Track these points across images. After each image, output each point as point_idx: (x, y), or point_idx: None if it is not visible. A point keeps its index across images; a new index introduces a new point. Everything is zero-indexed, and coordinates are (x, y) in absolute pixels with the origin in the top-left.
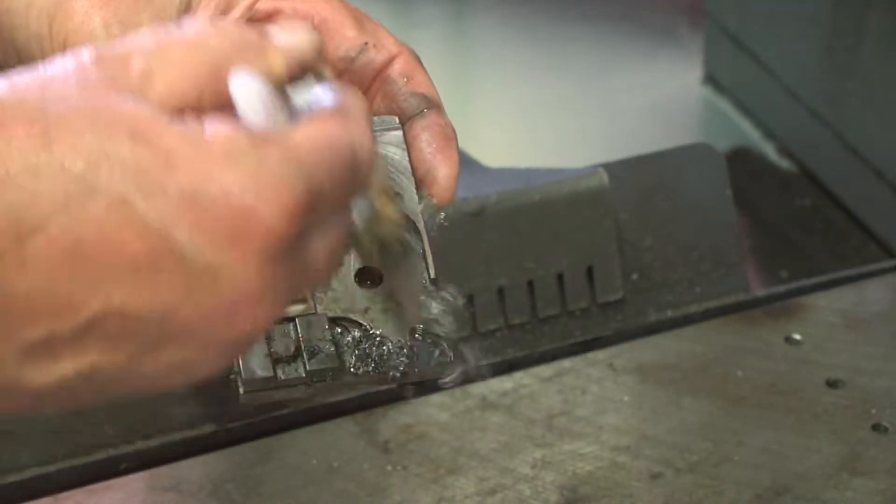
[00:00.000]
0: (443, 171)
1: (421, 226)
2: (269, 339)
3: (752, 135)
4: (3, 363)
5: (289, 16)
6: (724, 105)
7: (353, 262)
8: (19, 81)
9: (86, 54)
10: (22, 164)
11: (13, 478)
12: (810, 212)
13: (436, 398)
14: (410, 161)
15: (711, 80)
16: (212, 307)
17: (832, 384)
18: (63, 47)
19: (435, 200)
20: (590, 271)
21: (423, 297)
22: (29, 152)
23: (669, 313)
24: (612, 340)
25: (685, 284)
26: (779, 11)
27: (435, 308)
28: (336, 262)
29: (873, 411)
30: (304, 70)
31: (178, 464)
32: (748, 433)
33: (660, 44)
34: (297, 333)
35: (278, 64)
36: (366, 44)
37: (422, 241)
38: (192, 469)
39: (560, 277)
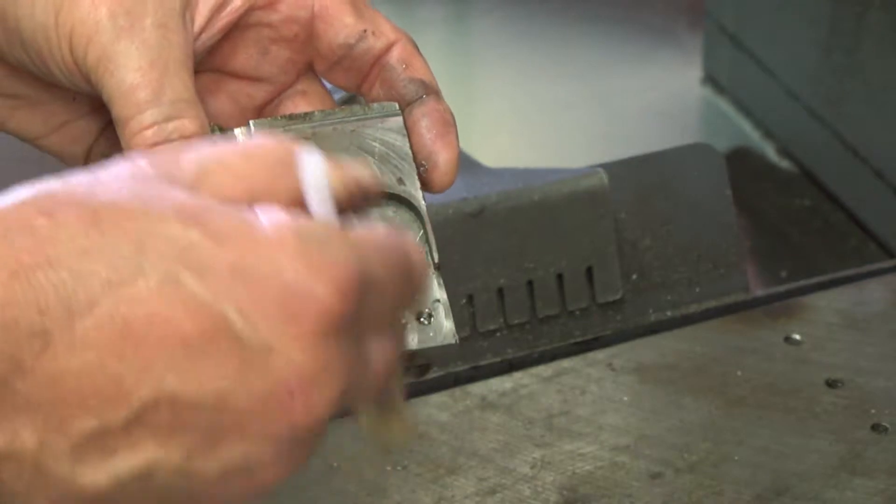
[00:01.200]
0: (443, 157)
1: (423, 211)
2: None
3: (751, 135)
4: (56, 460)
5: (289, 3)
6: (724, 105)
7: None
8: (72, 178)
9: (138, 156)
10: (71, 246)
11: None
12: (810, 212)
13: (435, 398)
14: (411, 146)
15: (711, 80)
16: (266, 391)
17: (832, 384)
18: (69, 38)
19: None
20: (589, 271)
21: (427, 280)
22: (78, 234)
23: (669, 313)
24: (611, 340)
25: (685, 284)
26: (778, 11)
27: (438, 291)
28: (391, 374)
29: (873, 411)
30: (352, 203)
31: None
32: (748, 433)
33: (659, 44)
34: None
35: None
36: (364, 31)
37: (424, 225)
38: None
39: (560, 277)
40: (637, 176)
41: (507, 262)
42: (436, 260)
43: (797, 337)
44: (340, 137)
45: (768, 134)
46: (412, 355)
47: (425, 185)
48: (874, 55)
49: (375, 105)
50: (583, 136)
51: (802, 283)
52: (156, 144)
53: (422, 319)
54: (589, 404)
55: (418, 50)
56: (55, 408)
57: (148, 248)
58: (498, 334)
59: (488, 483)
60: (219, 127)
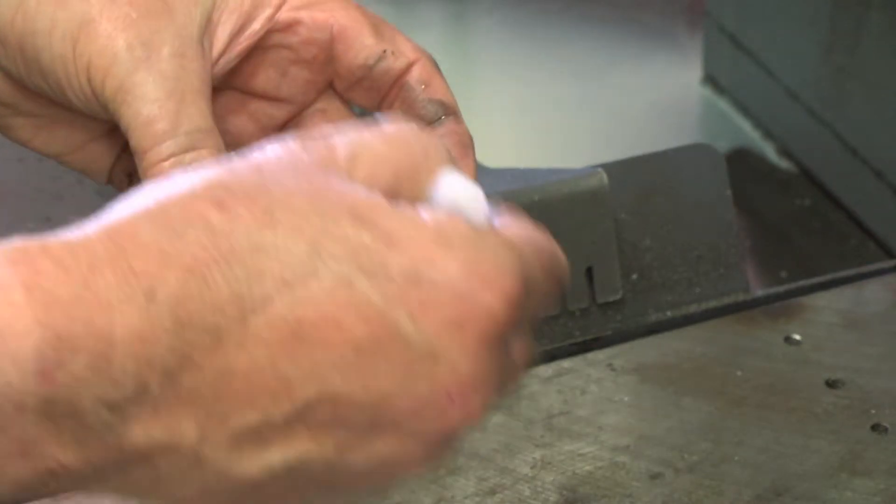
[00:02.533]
0: None
1: None
2: None
3: (751, 135)
4: (214, 449)
5: (308, 25)
6: (724, 105)
7: None
8: (236, 165)
9: (290, 140)
10: (246, 242)
11: None
12: (810, 212)
13: None
14: None
15: (711, 80)
16: (427, 395)
17: (832, 384)
18: (87, 69)
19: None
20: (589, 271)
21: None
22: (253, 231)
23: (669, 313)
24: (611, 340)
25: (685, 284)
26: (778, 11)
27: None
28: (528, 365)
29: (873, 411)
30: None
31: None
32: (748, 433)
33: (659, 44)
34: None
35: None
36: (384, 51)
37: None
38: None
39: None
40: (637, 176)
41: None
42: None
43: (797, 337)
44: None
45: (768, 134)
46: None
47: None
48: (874, 55)
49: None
50: (583, 136)
51: (802, 283)
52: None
53: None
54: (589, 404)
55: (438, 69)
56: (219, 402)
57: (322, 249)
58: None
59: (488, 483)
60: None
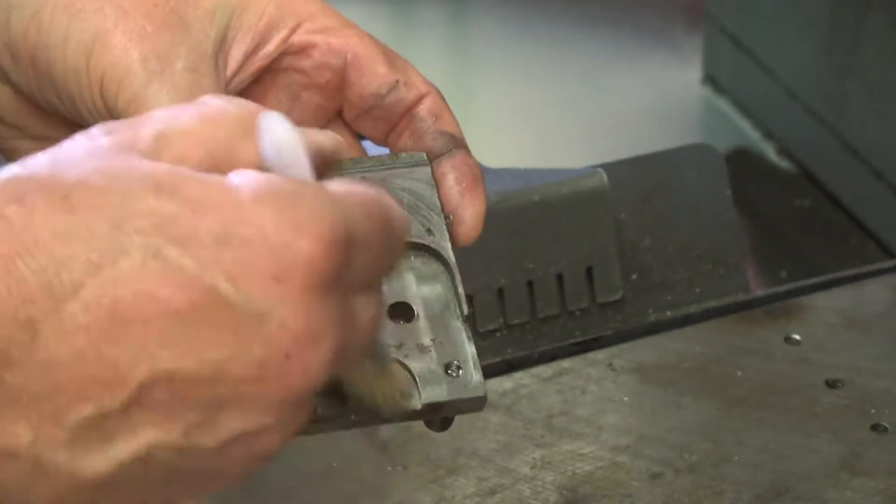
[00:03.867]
0: (470, 211)
1: (452, 263)
2: None
3: (751, 135)
4: (54, 451)
5: (323, 50)
6: (724, 105)
7: (387, 294)
8: (31, 160)
9: (94, 128)
10: (47, 231)
11: None
12: (810, 212)
13: None
14: (439, 198)
15: (711, 80)
16: (263, 357)
17: (832, 384)
18: (100, 82)
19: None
20: (589, 271)
21: (455, 334)
22: (52, 218)
23: (669, 313)
24: (611, 340)
25: (685, 284)
26: (779, 11)
27: (467, 345)
28: (377, 330)
29: (873, 411)
30: (322, 165)
31: None
32: (748, 433)
33: (659, 44)
34: None
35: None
36: (396, 81)
37: (453, 277)
38: None
39: (560, 277)
40: (637, 176)
41: (507, 262)
42: (465, 312)
43: (797, 337)
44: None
45: (768, 134)
46: (438, 408)
47: (450, 238)
48: (874, 55)
49: (404, 154)
50: (583, 136)
51: (802, 283)
52: None
53: (450, 371)
54: (589, 404)
55: (447, 104)
56: (49, 398)
57: (126, 226)
58: (498, 334)
59: (488, 483)
60: None
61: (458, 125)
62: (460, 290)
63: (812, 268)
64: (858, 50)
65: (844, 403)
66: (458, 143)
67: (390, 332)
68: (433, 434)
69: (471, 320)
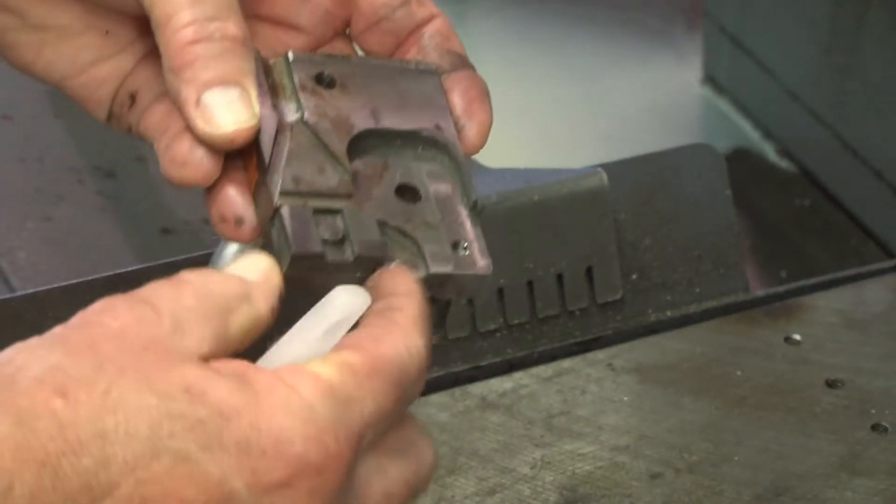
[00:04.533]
0: (477, 118)
1: (459, 154)
2: (316, 224)
3: (751, 135)
4: None
5: None
6: (724, 105)
7: (395, 176)
8: (71, 341)
9: (120, 305)
10: (91, 430)
11: None
12: (810, 212)
13: (435, 398)
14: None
15: (711, 80)
16: None
17: (831, 384)
18: None
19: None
20: (589, 271)
21: (463, 217)
22: (95, 417)
23: (669, 313)
24: (611, 340)
25: (684, 284)
26: (779, 11)
27: (473, 230)
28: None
29: (873, 411)
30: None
31: None
32: (748, 433)
33: (659, 44)
34: (345, 223)
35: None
36: None
37: (460, 168)
38: None
39: (560, 277)
40: (637, 176)
41: (507, 262)
42: (472, 198)
43: (797, 337)
44: (378, 82)
45: (768, 134)
46: (444, 281)
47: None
48: (874, 55)
49: (412, 60)
50: (583, 136)
51: (802, 283)
52: (196, 42)
53: (457, 250)
54: (589, 404)
55: (454, 31)
56: None
57: (161, 430)
58: (498, 334)
59: (488, 483)
60: (257, 52)
61: (464, 50)
62: (468, 179)
63: (812, 268)
64: (858, 50)
65: (844, 403)
66: (465, 64)
67: (397, 210)
68: (433, 434)
69: (477, 210)
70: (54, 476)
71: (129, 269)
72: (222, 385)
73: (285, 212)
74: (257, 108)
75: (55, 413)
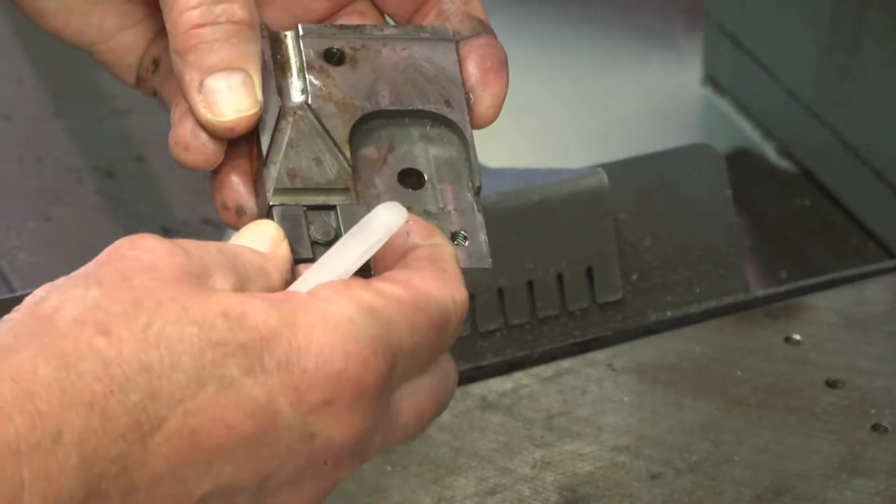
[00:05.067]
0: (492, 89)
1: (468, 135)
2: (308, 224)
3: (751, 135)
4: None
5: None
6: (724, 105)
7: (399, 159)
8: (106, 277)
9: (149, 240)
10: (137, 365)
11: None
12: (810, 212)
13: None
14: (462, 74)
15: (711, 80)
16: (305, 465)
17: (832, 384)
18: None
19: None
20: (589, 271)
21: (465, 204)
22: (140, 353)
23: (669, 313)
24: (611, 340)
25: (685, 285)
26: (779, 11)
27: (476, 216)
28: (426, 423)
29: (873, 411)
30: None
31: None
32: (748, 433)
33: (659, 44)
34: (339, 221)
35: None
36: None
37: (467, 149)
38: None
39: (560, 277)
40: (637, 176)
41: (507, 262)
42: (476, 184)
43: (797, 337)
44: (391, 53)
45: (768, 134)
46: None
47: (469, 116)
48: (874, 55)
49: (429, 27)
50: (583, 136)
51: (802, 283)
52: (201, 26)
53: (457, 241)
54: (589, 404)
55: None
56: None
57: (205, 357)
58: (498, 334)
59: (488, 483)
60: (267, 28)
61: (485, 14)
62: (474, 162)
63: (812, 268)
64: (858, 50)
65: (844, 403)
66: (485, 29)
67: (398, 197)
68: (433, 434)
69: (480, 191)
70: (103, 416)
71: None
72: (260, 307)
73: (277, 213)
74: (260, 95)
75: (99, 352)
